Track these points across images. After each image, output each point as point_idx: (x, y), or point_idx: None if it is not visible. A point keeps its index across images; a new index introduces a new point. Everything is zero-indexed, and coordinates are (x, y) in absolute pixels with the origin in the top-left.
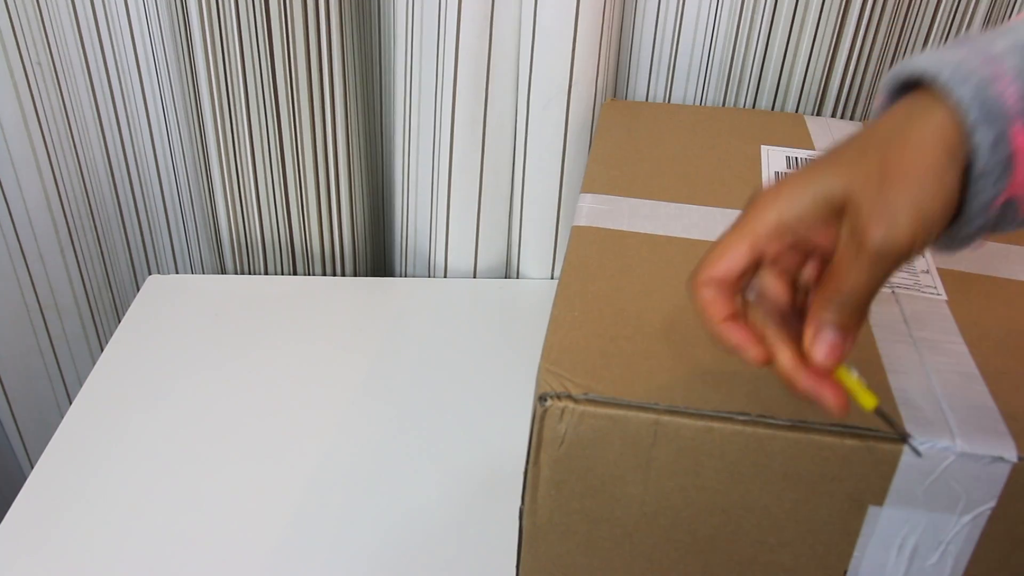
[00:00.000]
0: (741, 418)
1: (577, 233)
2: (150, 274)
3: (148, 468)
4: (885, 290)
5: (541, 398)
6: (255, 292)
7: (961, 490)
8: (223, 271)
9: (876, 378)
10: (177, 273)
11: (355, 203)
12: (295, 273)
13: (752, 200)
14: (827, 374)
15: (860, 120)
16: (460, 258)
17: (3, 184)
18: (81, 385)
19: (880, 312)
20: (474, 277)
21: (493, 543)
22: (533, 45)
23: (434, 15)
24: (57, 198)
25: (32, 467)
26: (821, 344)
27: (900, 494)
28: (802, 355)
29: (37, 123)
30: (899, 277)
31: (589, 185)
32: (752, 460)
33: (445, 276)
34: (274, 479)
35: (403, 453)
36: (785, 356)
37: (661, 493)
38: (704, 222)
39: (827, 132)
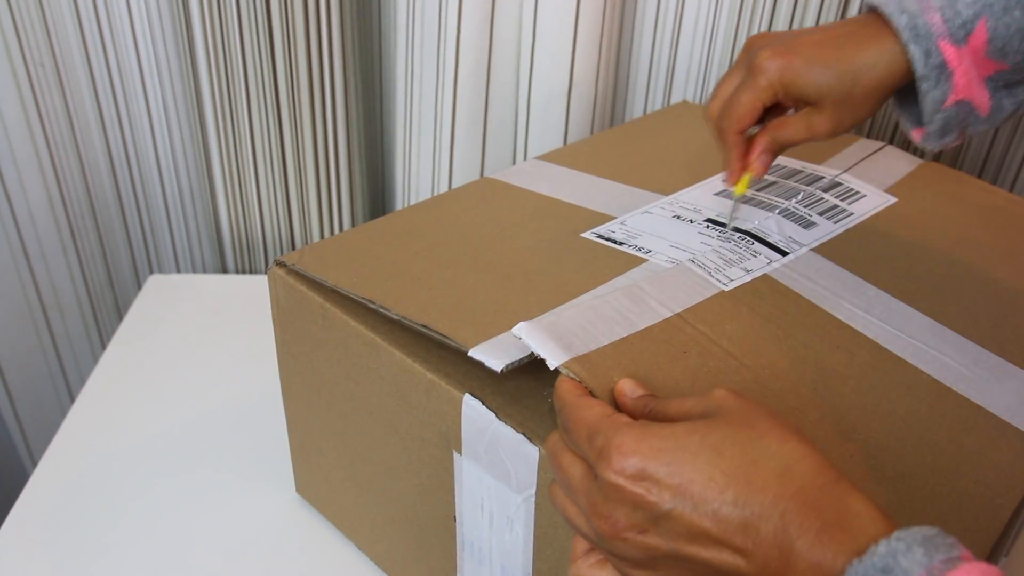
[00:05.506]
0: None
1: (479, 182)
2: (152, 273)
3: (150, 466)
4: None
5: None
6: (256, 291)
7: (511, 467)
8: (224, 270)
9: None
10: (179, 272)
11: (356, 204)
12: None
13: (760, 58)
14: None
15: None
16: None
17: (6, 184)
18: (83, 384)
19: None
20: None
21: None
22: (533, 46)
23: (434, 15)
24: (60, 198)
25: (35, 465)
26: (761, 162)
27: (470, 447)
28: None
29: (40, 123)
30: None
31: (549, 154)
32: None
33: None
34: (275, 478)
35: None
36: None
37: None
38: (593, 191)
39: None
